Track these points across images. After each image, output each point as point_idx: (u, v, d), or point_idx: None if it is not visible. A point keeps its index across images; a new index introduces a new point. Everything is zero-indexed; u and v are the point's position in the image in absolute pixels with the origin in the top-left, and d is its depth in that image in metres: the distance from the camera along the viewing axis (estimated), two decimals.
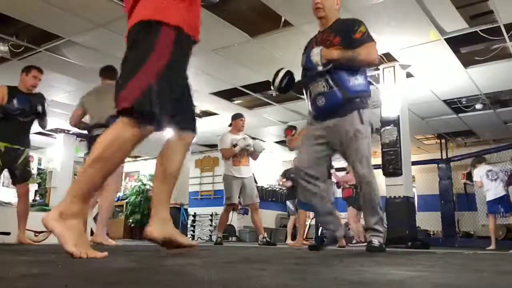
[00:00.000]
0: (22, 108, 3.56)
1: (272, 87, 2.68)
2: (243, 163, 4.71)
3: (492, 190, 5.41)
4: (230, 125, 4.87)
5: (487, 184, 5.44)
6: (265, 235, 4.90)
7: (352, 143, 2.33)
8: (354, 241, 6.06)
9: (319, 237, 5.41)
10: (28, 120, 3.63)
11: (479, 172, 5.60)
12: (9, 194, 8.72)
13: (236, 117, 4.87)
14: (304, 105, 8.08)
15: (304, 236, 6.34)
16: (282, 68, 2.66)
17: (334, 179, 6.54)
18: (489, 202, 5.51)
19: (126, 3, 1.57)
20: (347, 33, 2.34)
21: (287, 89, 2.64)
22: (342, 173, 7.10)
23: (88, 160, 1.37)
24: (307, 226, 9.21)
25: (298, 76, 2.64)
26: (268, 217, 9.28)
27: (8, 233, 3.76)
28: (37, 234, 3.62)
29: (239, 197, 4.79)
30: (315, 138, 2.46)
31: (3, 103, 3.49)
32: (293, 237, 6.24)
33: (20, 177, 3.59)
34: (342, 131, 2.35)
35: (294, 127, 5.06)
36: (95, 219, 6.30)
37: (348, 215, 4.47)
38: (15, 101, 3.53)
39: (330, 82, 2.32)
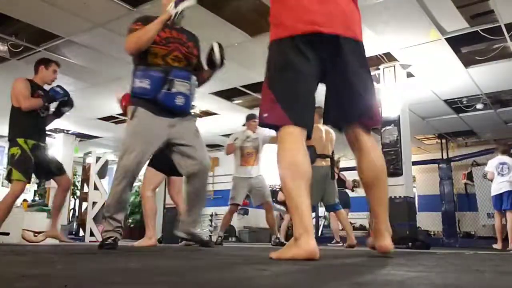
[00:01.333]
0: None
1: (214, 65, 2.52)
2: (250, 163, 4.64)
3: (495, 184, 5.28)
4: (243, 125, 4.81)
5: (496, 177, 5.25)
6: (279, 235, 4.88)
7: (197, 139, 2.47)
8: (333, 241, 6.07)
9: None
10: (45, 115, 3.56)
11: (493, 163, 5.39)
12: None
13: (248, 118, 4.81)
14: None
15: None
16: (213, 43, 2.57)
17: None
18: (492, 198, 5.42)
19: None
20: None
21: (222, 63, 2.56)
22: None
23: None
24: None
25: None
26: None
27: (8, 234, 3.76)
28: (36, 234, 3.62)
29: (249, 198, 4.72)
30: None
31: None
32: (288, 237, 6.24)
33: (56, 169, 3.57)
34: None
35: None
36: (95, 219, 6.32)
37: (339, 215, 4.40)
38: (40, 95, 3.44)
39: (192, 86, 2.43)
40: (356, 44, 1.57)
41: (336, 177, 6.94)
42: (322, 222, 8.69)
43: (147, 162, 3.38)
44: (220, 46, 2.54)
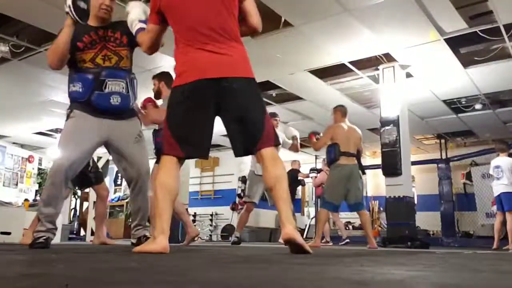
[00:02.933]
0: None
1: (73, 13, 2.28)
2: None
3: (494, 186, 5.36)
4: None
5: (494, 180, 5.34)
6: None
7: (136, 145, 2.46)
8: (342, 242, 6.06)
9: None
10: None
11: (491, 165, 5.44)
12: (10, 194, 8.74)
13: (269, 116, 4.79)
14: (304, 105, 8.02)
15: (304, 236, 6.35)
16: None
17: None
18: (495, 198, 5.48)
19: None
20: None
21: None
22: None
23: None
24: (307, 226, 9.23)
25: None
26: (269, 217, 9.28)
27: (9, 233, 3.76)
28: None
29: (264, 196, 4.65)
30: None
31: None
32: None
33: (96, 179, 3.58)
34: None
35: (317, 132, 4.84)
36: (95, 219, 6.32)
37: (361, 216, 4.30)
38: None
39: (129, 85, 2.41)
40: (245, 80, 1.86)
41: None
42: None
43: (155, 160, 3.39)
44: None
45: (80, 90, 2.30)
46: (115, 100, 2.33)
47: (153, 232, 3.54)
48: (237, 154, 1.91)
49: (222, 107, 1.85)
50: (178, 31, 1.90)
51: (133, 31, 2.19)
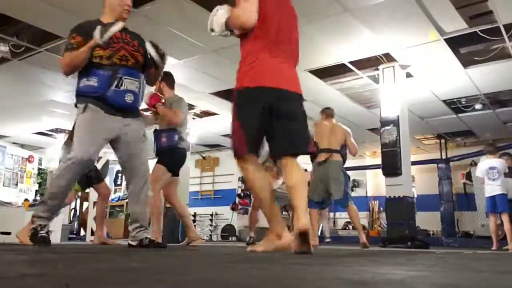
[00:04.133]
0: None
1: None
2: None
3: (488, 187, 5.31)
4: None
5: (486, 181, 5.31)
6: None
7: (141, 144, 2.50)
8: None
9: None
10: None
11: (482, 167, 5.41)
12: (10, 194, 8.73)
13: None
14: (304, 105, 8.05)
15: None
16: (146, 43, 2.53)
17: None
18: (486, 199, 5.44)
19: None
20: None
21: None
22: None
23: None
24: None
25: None
26: None
27: (9, 233, 3.76)
28: None
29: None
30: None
31: None
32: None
33: (96, 178, 3.59)
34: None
35: None
36: (95, 219, 6.32)
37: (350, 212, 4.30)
38: None
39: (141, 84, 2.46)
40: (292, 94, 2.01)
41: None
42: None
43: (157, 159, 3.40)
44: (153, 44, 2.52)
45: (96, 84, 2.30)
46: (129, 99, 2.36)
47: (153, 232, 3.55)
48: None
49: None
50: (264, 36, 1.98)
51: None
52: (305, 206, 1.92)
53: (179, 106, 3.43)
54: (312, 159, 4.31)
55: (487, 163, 5.38)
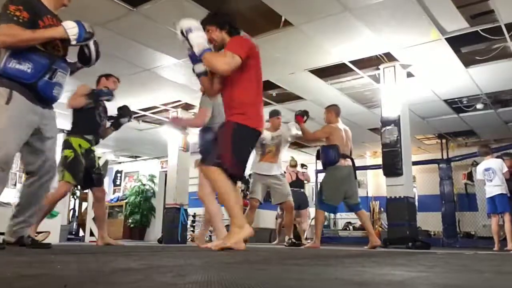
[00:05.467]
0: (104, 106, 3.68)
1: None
2: (268, 160, 4.53)
3: (487, 188, 5.36)
4: (267, 121, 4.64)
5: (485, 181, 5.37)
6: (291, 236, 4.83)
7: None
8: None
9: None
10: (102, 121, 3.71)
11: (480, 169, 5.48)
12: (9, 195, 8.73)
13: (272, 114, 4.71)
14: (305, 105, 8.00)
15: (304, 237, 6.33)
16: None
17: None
18: (486, 200, 5.49)
19: None
20: None
21: None
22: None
23: None
24: (308, 226, 9.21)
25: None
26: (269, 218, 9.27)
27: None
28: (36, 234, 3.61)
29: (270, 197, 4.61)
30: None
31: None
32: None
33: (97, 181, 3.62)
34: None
35: (305, 113, 4.60)
36: (94, 219, 6.32)
37: (361, 215, 4.29)
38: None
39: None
40: None
41: (295, 177, 7.00)
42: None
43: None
44: (95, 42, 2.41)
45: (29, 71, 2.11)
46: (56, 92, 2.26)
47: (219, 234, 3.40)
48: None
49: None
50: (253, 85, 2.47)
51: (199, 48, 2.36)
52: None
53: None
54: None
55: (483, 165, 5.46)
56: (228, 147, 2.33)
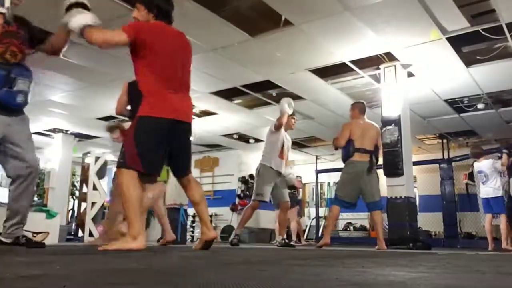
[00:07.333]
0: None
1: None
2: (283, 158, 4.47)
3: (481, 188, 5.43)
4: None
5: (479, 184, 5.47)
6: (284, 236, 4.83)
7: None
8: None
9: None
10: None
11: (474, 171, 5.59)
12: (5, 195, 8.73)
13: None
14: (305, 105, 7.99)
15: (305, 237, 6.34)
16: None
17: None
18: (482, 200, 5.57)
19: None
20: None
21: None
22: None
23: None
24: (307, 227, 9.21)
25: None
26: (269, 218, 9.27)
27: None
28: (35, 234, 3.61)
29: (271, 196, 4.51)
30: None
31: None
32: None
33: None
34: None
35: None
36: (93, 219, 6.32)
37: (374, 216, 4.14)
38: None
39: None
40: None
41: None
42: (322, 223, 8.68)
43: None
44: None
45: None
46: (20, 99, 2.31)
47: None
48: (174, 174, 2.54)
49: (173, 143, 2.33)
50: (154, 72, 2.29)
51: (78, 23, 2.19)
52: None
53: None
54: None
55: (475, 167, 5.52)
56: (131, 144, 2.19)
